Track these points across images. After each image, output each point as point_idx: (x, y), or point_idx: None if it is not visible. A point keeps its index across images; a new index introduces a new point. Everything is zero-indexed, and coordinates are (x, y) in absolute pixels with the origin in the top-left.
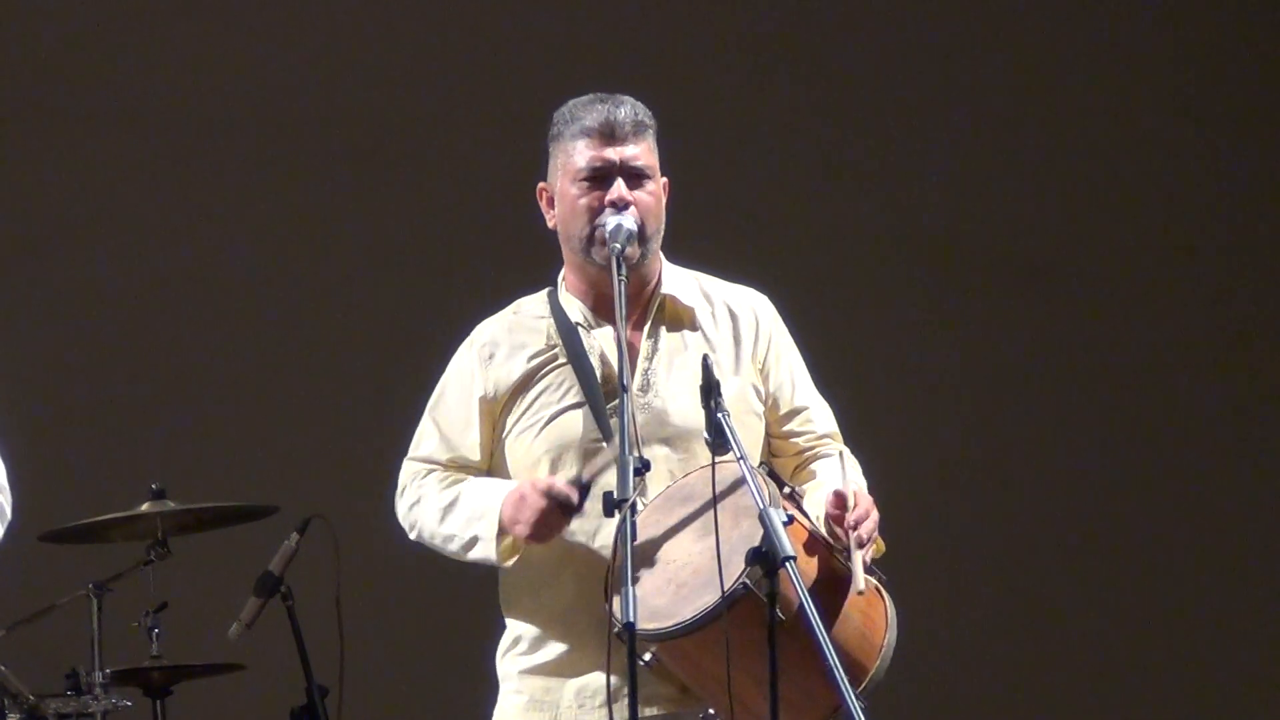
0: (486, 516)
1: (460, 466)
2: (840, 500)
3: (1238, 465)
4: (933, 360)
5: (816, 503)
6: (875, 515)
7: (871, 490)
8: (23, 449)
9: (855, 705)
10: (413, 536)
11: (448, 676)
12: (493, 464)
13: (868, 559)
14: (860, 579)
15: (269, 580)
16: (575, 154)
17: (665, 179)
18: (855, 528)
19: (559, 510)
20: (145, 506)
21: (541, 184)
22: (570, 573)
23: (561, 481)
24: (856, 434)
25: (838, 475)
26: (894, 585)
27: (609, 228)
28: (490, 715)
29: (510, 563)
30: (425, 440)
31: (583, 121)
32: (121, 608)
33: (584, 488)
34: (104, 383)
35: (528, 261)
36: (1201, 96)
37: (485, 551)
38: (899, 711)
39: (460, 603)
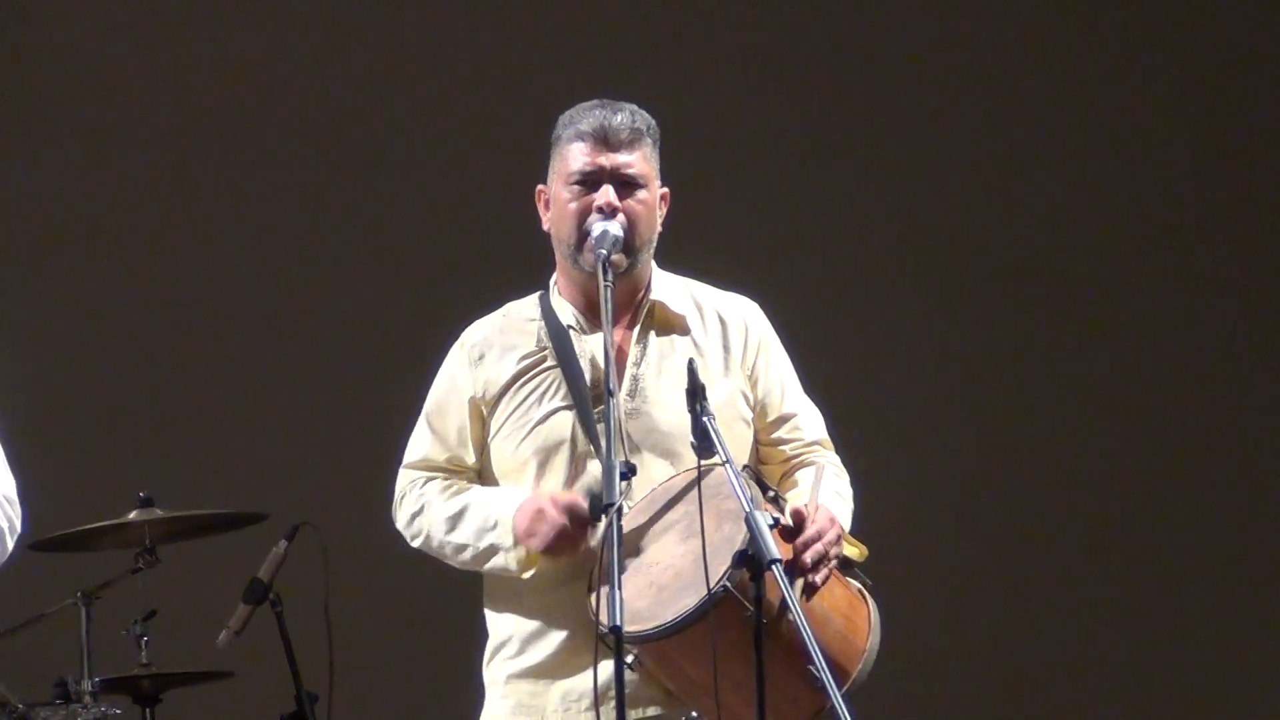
0: (500, 526)
1: (459, 467)
2: (797, 518)
3: (1240, 466)
4: (927, 365)
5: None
6: (831, 535)
7: (862, 495)
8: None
9: (843, 707)
10: (416, 544)
11: (436, 682)
12: (482, 464)
13: (818, 579)
14: (799, 610)
15: (258, 587)
16: (569, 158)
17: (665, 189)
18: (804, 550)
19: (578, 528)
20: (133, 514)
21: (540, 186)
22: (555, 575)
23: (581, 499)
24: (848, 439)
25: (809, 488)
26: (883, 589)
27: (595, 233)
28: None
29: (529, 574)
30: (419, 443)
31: (578, 125)
32: (110, 616)
33: (596, 513)
34: (91, 390)
35: (519, 268)
36: (1199, 96)
37: (504, 562)
38: (887, 715)
39: (448, 609)
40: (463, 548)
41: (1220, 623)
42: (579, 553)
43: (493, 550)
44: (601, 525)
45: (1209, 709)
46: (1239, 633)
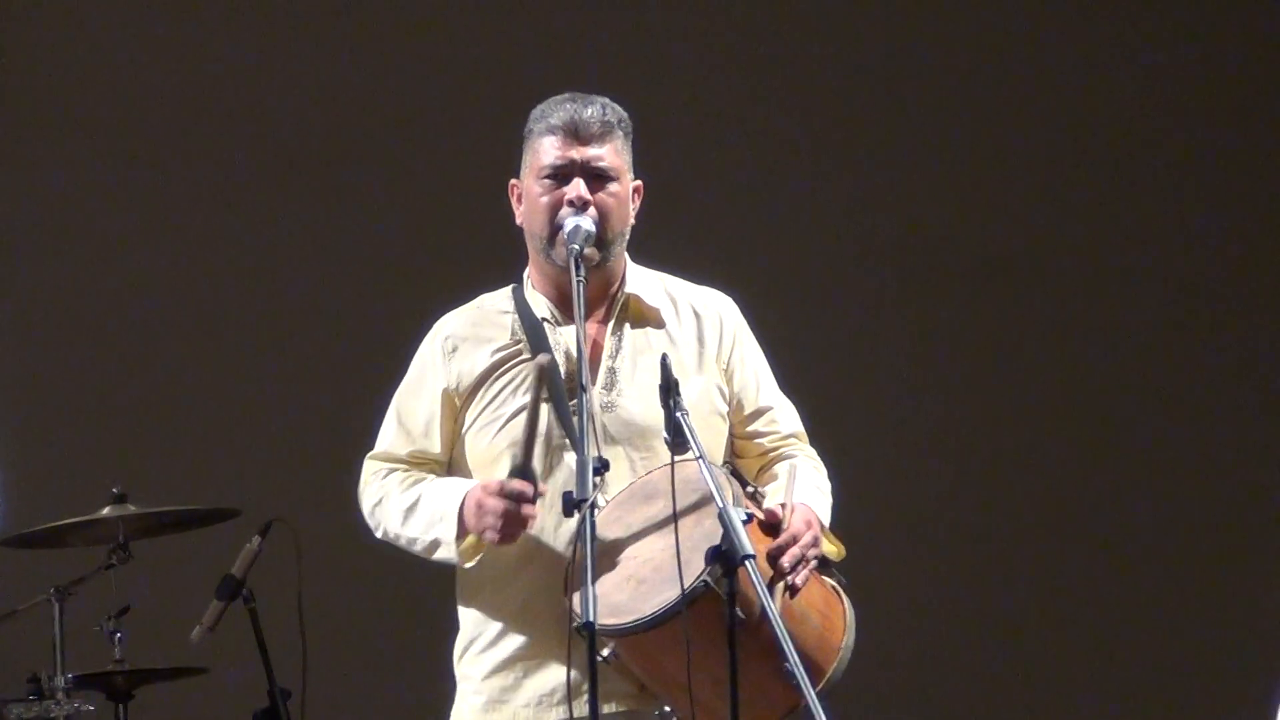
0: (446, 519)
1: (421, 460)
2: (771, 520)
3: (1219, 463)
4: (900, 360)
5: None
6: (807, 537)
7: (837, 492)
8: None
9: (817, 705)
10: (378, 535)
11: (410, 678)
12: (453, 457)
13: (797, 580)
14: (774, 607)
15: (231, 583)
16: (541, 151)
17: (639, 182)
18: (780, 554)
19: (519, 506)
20: (106, 510)
21: (513, 180)
22: (530, 570)
23: (510, 478)
24: (821, 433)
25: (784, 488)
26: (856, 585)
27: (567, 228)
28: (449, 716)
29: (472, 563)
30: (385, 434)
31: (549, 119)
32: (83, 612)
33: (529, 475)
34: (65, 387)
35: (490, 262)
36: (1174, 91)
37: (448, 554)
38: (860, 712)
39: (422, 604)
40: (413, 540)
41: (1200, 619)
42: (527, 527)
43: (437, 544)
44: (559, 519)
45: (1188, 705)
46: (1218, 629)
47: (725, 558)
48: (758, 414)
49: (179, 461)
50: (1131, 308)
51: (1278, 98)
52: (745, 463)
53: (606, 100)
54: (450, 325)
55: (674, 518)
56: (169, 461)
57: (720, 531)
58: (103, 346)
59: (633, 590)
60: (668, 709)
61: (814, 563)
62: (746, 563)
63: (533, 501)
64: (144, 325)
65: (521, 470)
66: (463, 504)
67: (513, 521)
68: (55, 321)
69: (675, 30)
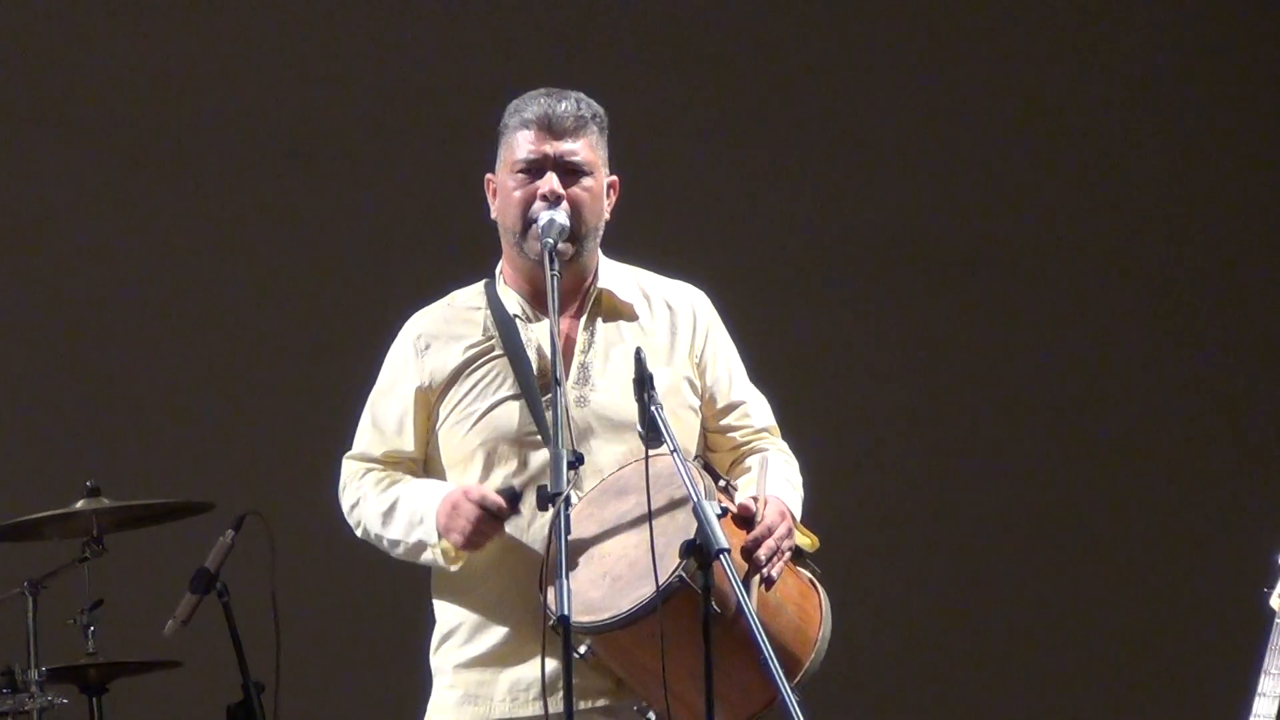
0: (426, 521)
1: (396, 459)
2: (745, 513)
3: (1184, 453)
4: (874, 352)
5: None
6: (781, 529)
7: (810, 483)
8: None
9: (791, 698)
10: (359, 534)
11: (384, 672)
12: (428, 455)
13: (773, 572)
14: (750, 599)
15: (204, 577)
16: (515, 146)
17: (614, 178)
18: (755, 547)
19: (492, 519)
20: (80, 504)
21: (489, 175)
22: (505, 565)
23: (493, 491)
24: (797, 427)
25: (755, 481)
26: (832, 577)
27: (541, 222)
28: (424, 710)
29: (457, 566)
30: (360, 435)
31: (523, 114)
32: (57, 605)
33: (515, 496)
34: (38, 380)
35: (464, 256)
36: (1151, 86)
37: (433, 555)
38: (836, 704)
39: (396, 598)
40: (396, 543)
41: (1179, 613)
42: (496, 536)
43: (421, 546)
44: (534, 514)
45: (1169, 701)
46: (1197, 623)
47: (700, 552)
48: (730, 408)
49: (153, 455)
50: (1112, 304)
51: (1260, 95)
52: (717, 457)
53: (581, 95)
54: (422, 323)
55: (648, 512)
56: (143, 455)
57: (694, 525)
58: (77, 340)
59: (608, 587)
60: (645, 704)
61: (788, 554)
62: (721, 557)
63: (507, 518)
64: (118, 319)
65: (510, 491)
66: (438, 506)
67: (482, 530)
68: (29, 315)
69: (657, 25)
